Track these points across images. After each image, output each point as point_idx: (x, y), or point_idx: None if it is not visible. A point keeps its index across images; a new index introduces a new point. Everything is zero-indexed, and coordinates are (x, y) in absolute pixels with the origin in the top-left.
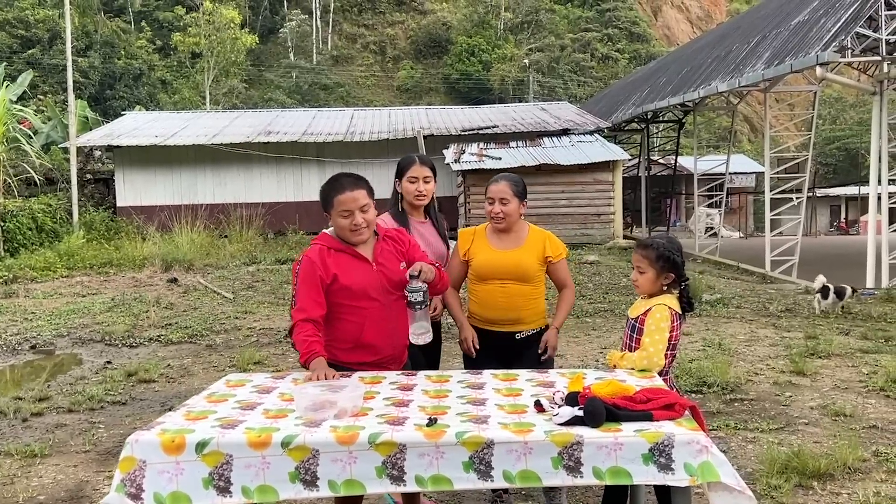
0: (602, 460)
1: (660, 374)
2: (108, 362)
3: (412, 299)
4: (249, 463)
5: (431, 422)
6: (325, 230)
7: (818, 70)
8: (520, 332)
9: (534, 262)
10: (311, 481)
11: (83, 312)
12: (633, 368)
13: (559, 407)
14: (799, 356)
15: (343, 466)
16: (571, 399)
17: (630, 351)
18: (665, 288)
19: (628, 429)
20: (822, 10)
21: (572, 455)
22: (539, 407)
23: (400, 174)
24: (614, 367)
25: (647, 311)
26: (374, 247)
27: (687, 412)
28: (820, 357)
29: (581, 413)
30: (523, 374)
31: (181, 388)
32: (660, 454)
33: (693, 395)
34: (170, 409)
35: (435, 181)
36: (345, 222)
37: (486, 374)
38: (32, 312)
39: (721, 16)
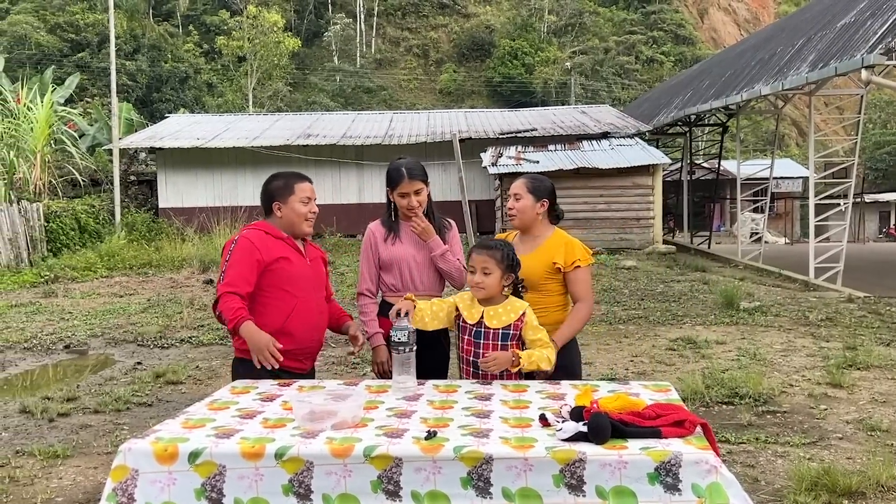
0: (605, 479)
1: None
2: (139, 363)
3: (396, 339)
4: (243, 474)
5: (430, 435)
6: (261, 220)
7: (863, 73)
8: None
9: (538, 269)
10: (304, 494)
11: (119, 313)
12: (535, 366)
13: (564, 421)
14: (836, 367)
15: (338, 480)
16: (576, 413)
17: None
18: (504, 290)
19: (634, 446)
20: (870, 11)
21: (574, 473)
22: (544, 421)
23: (391, 186)
24: (521, 368)
25: (522, 315)
26: (304, 246)
27: (698, 429)
28: (858, 368)
29: (585, 428)
30: (534, 386)
31: (208, 390)
32: (666, 474)
33: (724, 406)
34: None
35: (428, 185)
36: (305, 209)
37: (496, 385)
38: (69, 312)
39: (768, 18)
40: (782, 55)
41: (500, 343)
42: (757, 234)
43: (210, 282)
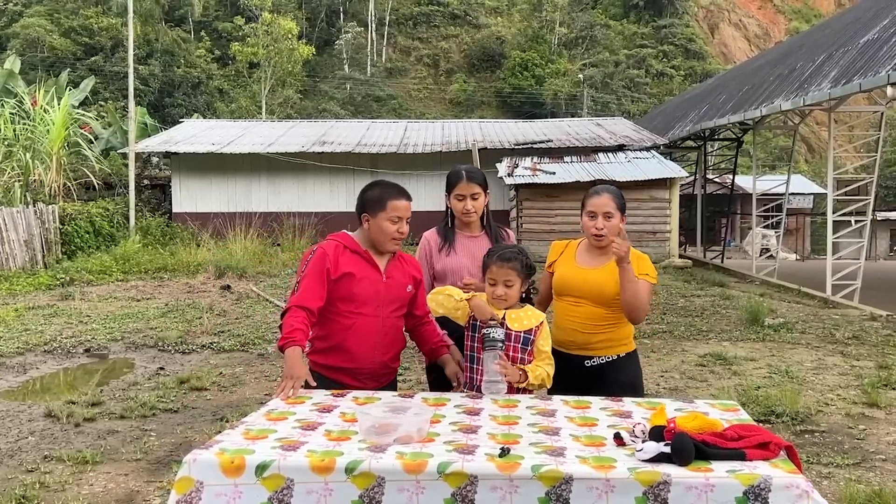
0: (691, 502)
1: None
2: (161, 368)
3: (495, 335)
4: (311, 489)
5: (504, 452)
6: (345, 231)
7: (889, 90)
8: (590, 359)
9: (613, 283)
10: None
11: (137, 317)
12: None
13: (642, 441)
14: (872, 387)
15: (409, 497)
16: (656, 433)
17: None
18: (523, 294)
19: (720, 469)
20: (893, 28)
21: (658, 496)
22: (619, 440)
23: (448, 189)
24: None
25: (540, 324)
26: (388, 262)
27: (782, 452)
28: (894, 388)
29: (667, 449)
30: (596, 402)
31: (233, 397)
32: (755, 498)
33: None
34: (221, 420)
35: (486, 193)
36: (392, 228)
37: (557, 401)
38: (87, 316)
39: (779, 34)
40: (802, 71)
41: (520, 346)
42: (767, 250)
43: (227, 287)
